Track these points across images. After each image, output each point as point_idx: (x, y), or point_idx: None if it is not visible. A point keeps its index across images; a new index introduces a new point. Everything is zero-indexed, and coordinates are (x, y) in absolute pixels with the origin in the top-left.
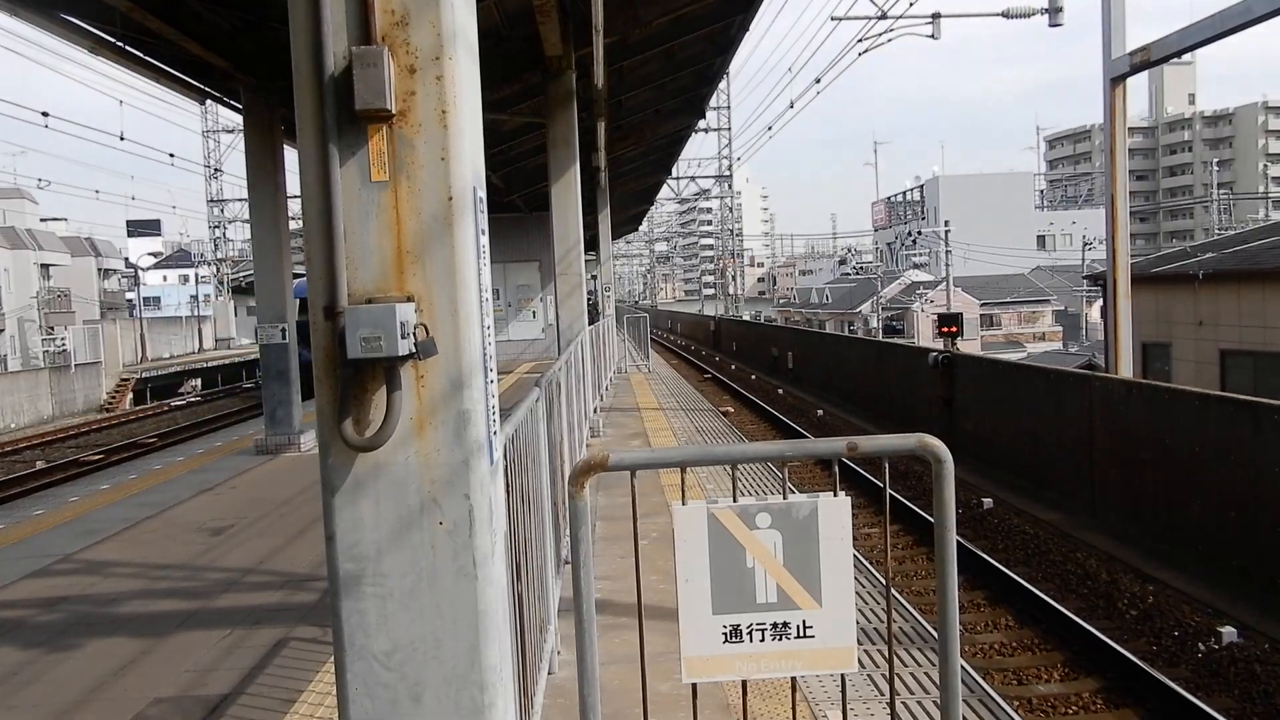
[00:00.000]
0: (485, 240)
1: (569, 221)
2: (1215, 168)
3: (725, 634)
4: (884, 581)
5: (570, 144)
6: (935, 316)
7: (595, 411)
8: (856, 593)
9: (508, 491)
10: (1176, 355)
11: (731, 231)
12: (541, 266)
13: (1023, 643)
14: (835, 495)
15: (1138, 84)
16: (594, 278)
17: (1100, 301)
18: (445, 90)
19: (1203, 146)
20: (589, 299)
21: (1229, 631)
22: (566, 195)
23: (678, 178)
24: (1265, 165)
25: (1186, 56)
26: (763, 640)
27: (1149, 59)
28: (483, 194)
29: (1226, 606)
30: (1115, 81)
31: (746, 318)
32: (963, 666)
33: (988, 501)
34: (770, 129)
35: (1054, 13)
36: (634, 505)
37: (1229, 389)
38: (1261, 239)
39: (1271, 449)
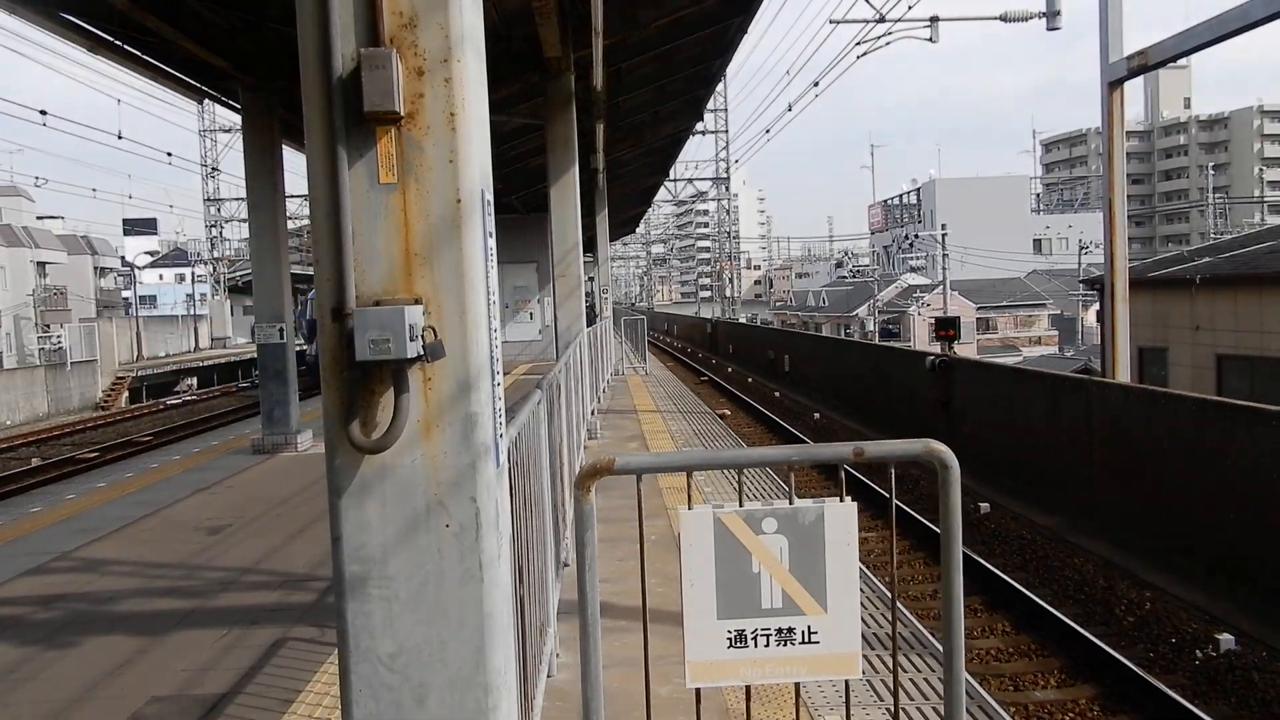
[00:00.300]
0: (493, 243)
1: (567, 223)
2: (1211, 172)
3: (730, 639)
4: (882, 588)
5: (569, 145)
6: (932, 320)
7: (593, 414)
8: None
9: (511, 494)
10: (1173, 360)
11: (729, 234)
12: (539, 268)
13: (1020, 649)
14: (842, 501)
15: (1133, 88)
16: (591, 279)
17: (1096, 305)
18: (454, 93)
19: (1198, 150)
20: (586, 301)
21: (1227, 639)
22: (565, 197)
23: (675, 180)
24: (1260, 169)
25: (1182, 60)
26: (767, 645)
27: (1147, 63)
28: (490, 196)
29: (1225, 613)
30: (1113, 85)
31: (743, 320)
32: None
33: (985, 506)
34: (768, 131)
35: (1051, 16)
36: (639, 509)
37: (1225, 394)
38: (1258, 244)
39: (1270, 455)
